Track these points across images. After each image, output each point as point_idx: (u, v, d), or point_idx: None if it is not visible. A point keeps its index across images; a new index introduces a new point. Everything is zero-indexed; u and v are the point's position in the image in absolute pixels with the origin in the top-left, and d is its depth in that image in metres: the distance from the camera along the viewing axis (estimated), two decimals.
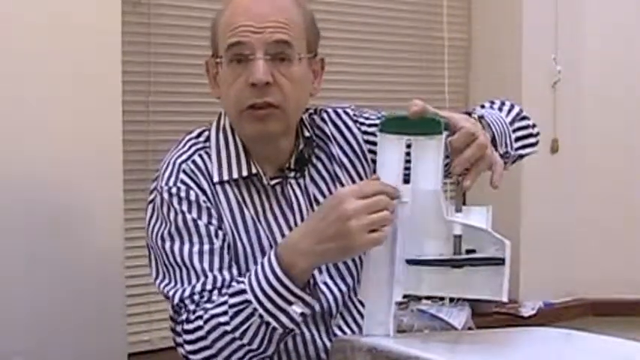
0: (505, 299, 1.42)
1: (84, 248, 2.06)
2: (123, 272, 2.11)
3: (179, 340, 1.59)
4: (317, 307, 1.70)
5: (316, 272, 1.69)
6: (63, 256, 2.03)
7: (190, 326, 1.57)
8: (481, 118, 1.67)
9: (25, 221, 1.98)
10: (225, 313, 1.54)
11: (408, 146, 1.49)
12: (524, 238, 2.95)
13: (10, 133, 1.97)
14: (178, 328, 1.60)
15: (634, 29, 3.12)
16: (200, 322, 1.56)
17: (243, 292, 1.54)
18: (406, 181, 1.49)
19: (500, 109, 1.79)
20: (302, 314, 1.53)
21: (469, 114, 1.67)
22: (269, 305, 1.52)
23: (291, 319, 1.53)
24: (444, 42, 2.97)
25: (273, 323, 1.52)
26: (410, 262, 1.47)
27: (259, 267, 1.55)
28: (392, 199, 1.47)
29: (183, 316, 1.59)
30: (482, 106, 1.81)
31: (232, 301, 1.54)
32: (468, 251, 1.44)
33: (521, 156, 1.81)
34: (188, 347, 1.57)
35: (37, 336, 1.99)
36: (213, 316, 1.55)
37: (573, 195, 3.07)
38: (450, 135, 1.49)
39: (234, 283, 1.58)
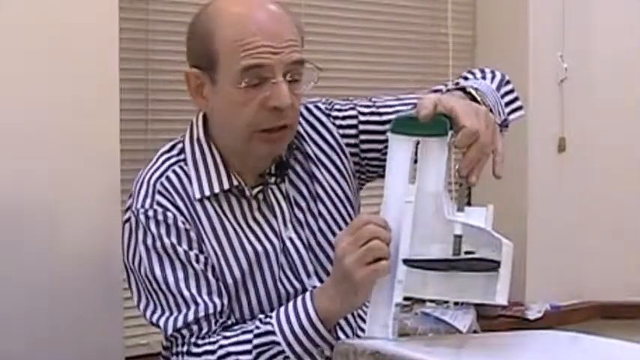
0: (503, 302, 1.40)
1: (81, 249, 2.04)
2: (120, 275, 2.07)
3: None
4: None
5: (305, 277, 1.68)
6: (60, 257, 2.01)
7: None
8: (477, 90, 1.61)
9: (22, 221, 1.96)
10: (247, 352, 1.53)
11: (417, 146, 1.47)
12: (531, 239, 2.92)
13: (7, 132, 1.94)
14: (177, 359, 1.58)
15: None
16: (211, 357, 1.54)
17: (270, 333, 1.53)
18: (412, 181, 1.47)
19: (484, 78, 1.73)
20: (327, 358, 1.54)
21: (464, 89, 1.62)
22: (298, 348, 1.52)
23: None
24: (448, 39, 2.95)
25: None
26: (405, 262, 1.45)
27: (290, 308, 1.54)
28: (381, 227, 1.45)
29: (183, 348, 1.57)
30: (466, 78, 1.74)
31: (257, 341, 1.53)
32: (467, 252, 1.42)
33: (507, 124, 1.73)
34: None
35: (33, 338, 1.97)
36: (230, 354, 1.53)
37: (581, 195, 3.04)
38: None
39: (258, 324, 1.56)
